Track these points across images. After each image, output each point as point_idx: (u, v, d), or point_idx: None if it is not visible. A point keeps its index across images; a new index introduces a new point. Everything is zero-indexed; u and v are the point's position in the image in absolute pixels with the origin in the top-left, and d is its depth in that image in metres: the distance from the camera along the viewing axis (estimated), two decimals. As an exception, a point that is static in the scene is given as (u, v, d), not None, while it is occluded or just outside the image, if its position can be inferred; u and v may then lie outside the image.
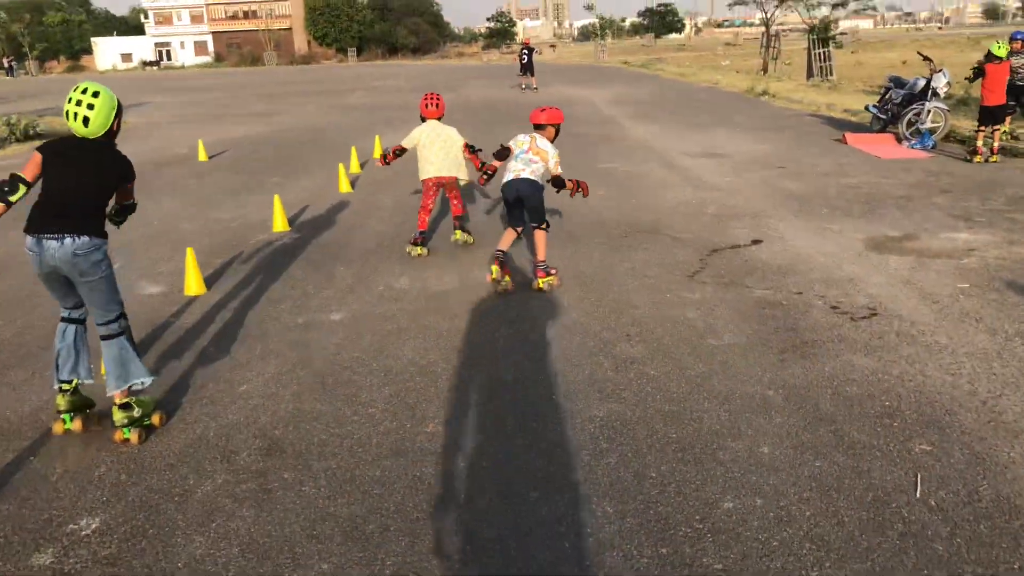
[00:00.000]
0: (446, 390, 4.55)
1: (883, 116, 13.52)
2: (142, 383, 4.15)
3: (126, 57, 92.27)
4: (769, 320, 5.42)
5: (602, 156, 13.10)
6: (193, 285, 6.59)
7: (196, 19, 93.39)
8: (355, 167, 12.66)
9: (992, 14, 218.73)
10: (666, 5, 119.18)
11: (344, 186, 10.98)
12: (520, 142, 6.47)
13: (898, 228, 7.77)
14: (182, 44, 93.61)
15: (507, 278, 6.39)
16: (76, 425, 4.13)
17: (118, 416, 4.04)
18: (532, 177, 6.33)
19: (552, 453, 3.81)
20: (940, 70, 12.45)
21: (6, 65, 76.60)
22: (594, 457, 3.76)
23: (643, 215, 8.74)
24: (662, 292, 6.10)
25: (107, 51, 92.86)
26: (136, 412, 4.08)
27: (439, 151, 7.37)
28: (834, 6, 29.34)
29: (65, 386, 4.09)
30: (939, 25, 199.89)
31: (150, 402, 4.30)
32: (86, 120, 3.89)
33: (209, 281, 6.90)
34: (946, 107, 12.68)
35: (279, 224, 8.77)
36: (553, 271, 6.49)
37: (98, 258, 3.95)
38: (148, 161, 14.42)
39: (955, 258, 6.69)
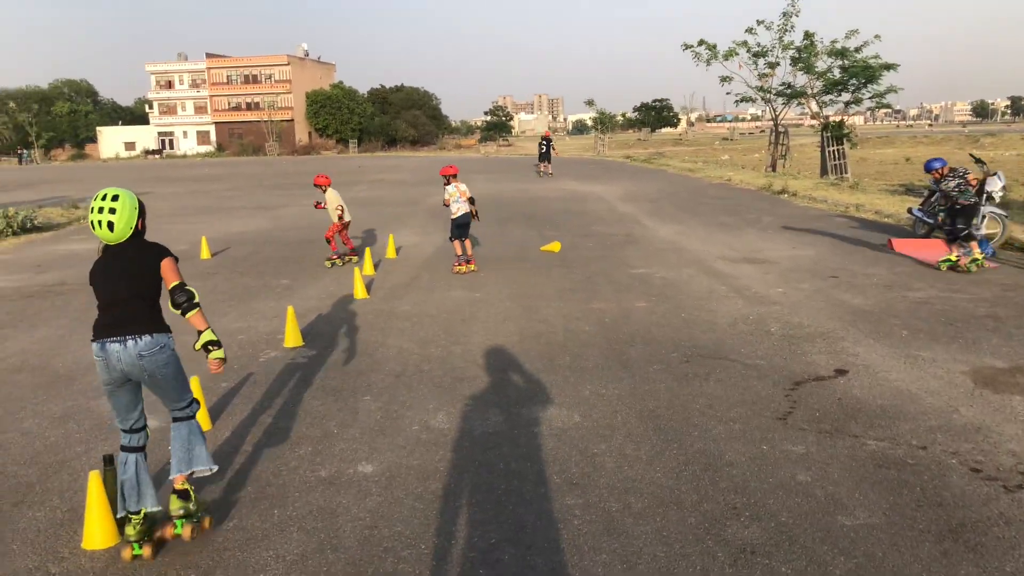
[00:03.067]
0: (521, 594, 3.52)
1: (929, 220, 12.75)
2: (210, 470, 4.21)
3: (129, 145, 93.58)
4: (902, 489, 4.41)
5: (632, 259, 12.28)
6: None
7: (200, 110, 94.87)
8: (368, 268, 11.84)
9: (981, 112, 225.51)
10: (662, 100, 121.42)
11: (359, 291, 10.11)
12: (452, 193, 11.30)
13: (1002, 357, 6.78)
14: (184, 133, 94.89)
15: (471, 266, 11.52)
16: (146, 552, 3.95)
17: (175, 505, 4.06)
18: (467, 209, 11.32)
19: None
20: (995, 173, 11.58)
21: (19, 153, 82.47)
22: None
23: (699, 334, 7.81)
24: (756, 443, 5.10)
25: (111, 140, 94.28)
26: (192, 505, 4.09)
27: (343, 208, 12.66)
28: (847, 104, 29.15)
29: (134, 517, 3.97)
30: (929, 122, 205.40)
31: (204, 502, 4.34)
32: (111, 225, 3.88)
33: (215, 411, 6.03)
34: (1004, 212, 11.89)
35: (292, 339, 7.89)
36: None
37: (164, 357, 3.97)
38: (147, 259, 13.59)
39: (1091, 401, 5.72)
